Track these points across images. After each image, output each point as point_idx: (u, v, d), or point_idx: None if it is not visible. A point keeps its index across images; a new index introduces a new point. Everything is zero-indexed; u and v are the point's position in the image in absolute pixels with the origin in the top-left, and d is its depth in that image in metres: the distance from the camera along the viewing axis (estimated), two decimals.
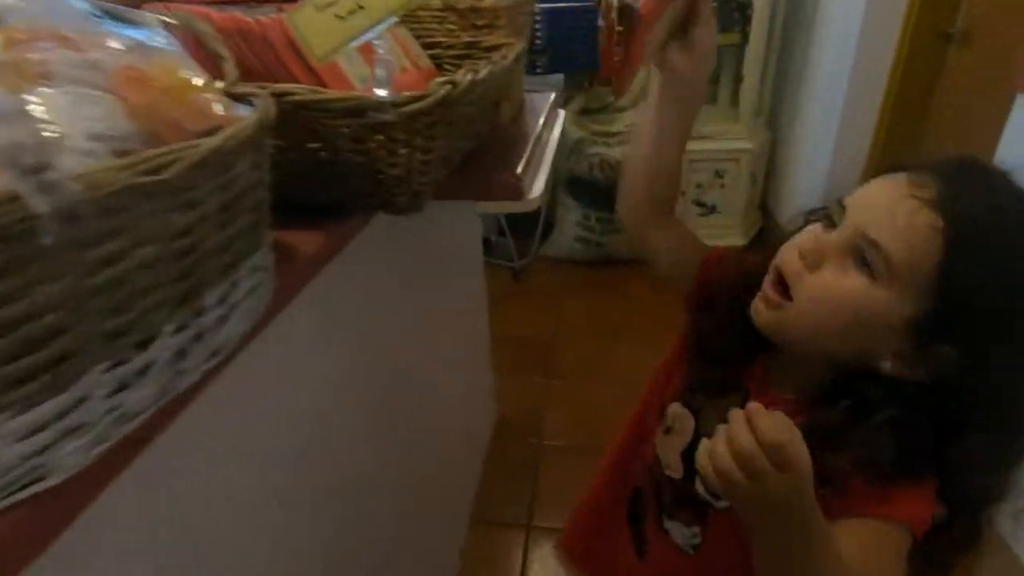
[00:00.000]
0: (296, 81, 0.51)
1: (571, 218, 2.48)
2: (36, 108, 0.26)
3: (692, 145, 2.63)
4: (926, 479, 0.43)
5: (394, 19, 0.43)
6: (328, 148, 0.51)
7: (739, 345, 0.53)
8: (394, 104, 0.45)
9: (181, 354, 0.33)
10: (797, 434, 0.34)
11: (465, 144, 0.69)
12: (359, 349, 0.79)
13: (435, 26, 0.84)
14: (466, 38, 0.82)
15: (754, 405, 0.35)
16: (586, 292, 2.33)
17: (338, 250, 0.57)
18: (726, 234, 2.55)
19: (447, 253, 1.20)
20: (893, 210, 0.41)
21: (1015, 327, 0.40)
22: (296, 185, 0.55)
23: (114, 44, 0.34)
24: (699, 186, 2.48)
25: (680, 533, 0.61)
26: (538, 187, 0.73)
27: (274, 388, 0.58)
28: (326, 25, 0.42)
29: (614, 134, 2.38)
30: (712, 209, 2.53)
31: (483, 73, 0.57)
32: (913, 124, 1.86)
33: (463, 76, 0.53)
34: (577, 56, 2.35)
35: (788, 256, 0.47)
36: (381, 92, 0.43)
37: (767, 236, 2.61)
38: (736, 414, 0.36)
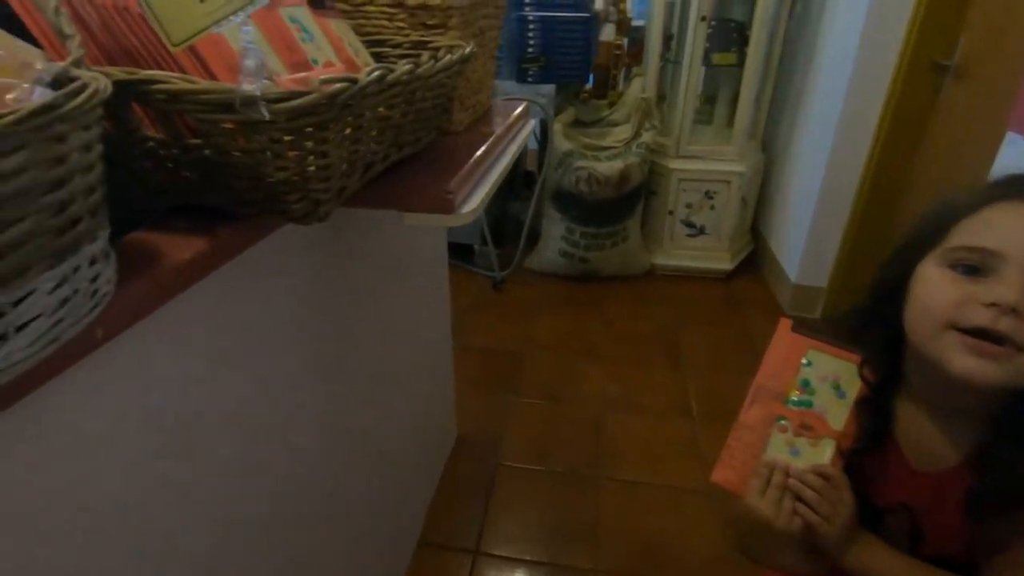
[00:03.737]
0: (178, 68, 0.46)
1: (555, 231, 2.43)
2: None
3: (682, 164, 2.54)
4: None
5: (263, 2, 0.37)
6: (210, 146, 0.46)
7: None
8: (266, 100, 0.39)
9: None
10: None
11: (392, 151, 0.64)
12: (295, 357, 0.73)
13: (384, 23, 0.79)
14: (415, 37, 0.77)
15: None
16: (563, 308, 2.27)
17: (232, 254, 0.52)
18: (714, 256, 2.49)
19: (405, 263, 1.14)
20: None
21: None
22: (185, 185, 0.50)
23: None
24: (688, 206, 2.43)
25: None
26: (473, 202, 0.68)
27: (186, 390, 0.52)
28: (184, 7, 0.37)
29: (604, 148, 2.33)
30: (701, 230, 2.48)
31: (397, 73, 0.51)
32: (904, 155, 1.80)
33: (368, 74, 0.47)
34: (569, 67, 2.30)
35: (975, 313, 0.49)
36: (248, 86, 0.38)
37: (758, 261, 2.56)
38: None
